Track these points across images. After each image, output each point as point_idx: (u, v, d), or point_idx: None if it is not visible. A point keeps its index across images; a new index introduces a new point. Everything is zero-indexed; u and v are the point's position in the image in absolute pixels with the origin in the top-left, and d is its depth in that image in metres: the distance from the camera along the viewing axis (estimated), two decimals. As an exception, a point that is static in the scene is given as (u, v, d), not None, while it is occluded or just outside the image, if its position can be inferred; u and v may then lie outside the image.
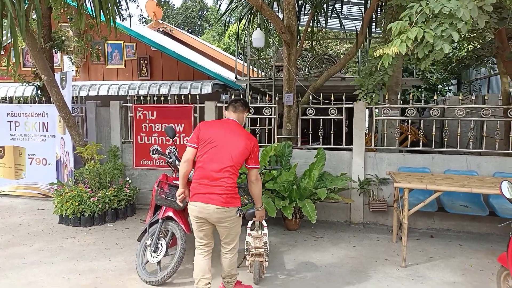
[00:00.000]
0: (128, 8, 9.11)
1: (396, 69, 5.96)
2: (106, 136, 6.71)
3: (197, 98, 6.30)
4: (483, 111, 5.16)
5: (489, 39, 6.25)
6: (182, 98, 6.41)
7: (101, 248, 4.62)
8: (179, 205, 3.86)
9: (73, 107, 6.58)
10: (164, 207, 3.90)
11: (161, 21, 13.27)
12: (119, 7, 6.14)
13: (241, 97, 3.21)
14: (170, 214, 3.84)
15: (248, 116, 3.62)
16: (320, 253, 4.47)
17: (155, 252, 3.77)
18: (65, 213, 5.38)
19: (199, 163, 2.97)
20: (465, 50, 8.16)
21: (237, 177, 2.96)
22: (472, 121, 5.46)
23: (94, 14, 5.14)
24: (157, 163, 6.36)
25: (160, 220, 3.84)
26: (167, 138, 6.22)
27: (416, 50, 3.22)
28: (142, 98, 6.63)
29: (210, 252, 3.17)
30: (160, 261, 3.75)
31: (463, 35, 2.96)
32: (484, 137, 5.34)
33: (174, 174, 4.21)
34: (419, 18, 3.00)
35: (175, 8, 35.28)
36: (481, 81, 10.69)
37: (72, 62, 8.73)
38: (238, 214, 2.95)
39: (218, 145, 2.92)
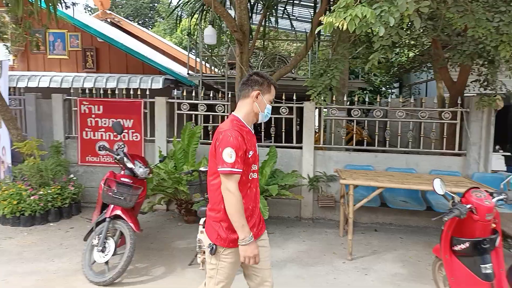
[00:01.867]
0: (71, -5, 8.55)
1: (343, 71, 6.20)
2: (48, 130, 6.33)
3: (147, 93, 6.14)
4: (421, 113, 5.55)
5: (427, 46, 6.69)
6: (131, 93, 6.21)
7: (43, 249, 4.38)
8: (127, 203, 3.78)
9: (10, 99, 6.13)
10: (112, 206, 3.77)
11: (108, 11, 12.69)
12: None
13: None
14: (119, 212, 3.74)
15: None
16: (272, 249, 4.52)
17: (102, 251, 3.64)
18: (3, 213, 5.04)
19: None
20: (406, 56, 8.70)
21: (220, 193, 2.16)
22: (411, 122, 5.83)
23: (33, 0, 4.80)
24: (104, 159, 6.12)
25: (107, 219, 3.71)
26: (115, 134, 6.00)
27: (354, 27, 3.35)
28: (87, 91, 6.31)
29: None
30: (108, 261, 3.63)
31: (400, 26, 3.12)
32: (422, 138, 5.72)
33: (122, 171, 4.08)
34: None
35: (124, -2, 33.79)
36: (420, 85, 11.44)
37: (8, 51, 8.09)
38: (209, 249, 2.18)
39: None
